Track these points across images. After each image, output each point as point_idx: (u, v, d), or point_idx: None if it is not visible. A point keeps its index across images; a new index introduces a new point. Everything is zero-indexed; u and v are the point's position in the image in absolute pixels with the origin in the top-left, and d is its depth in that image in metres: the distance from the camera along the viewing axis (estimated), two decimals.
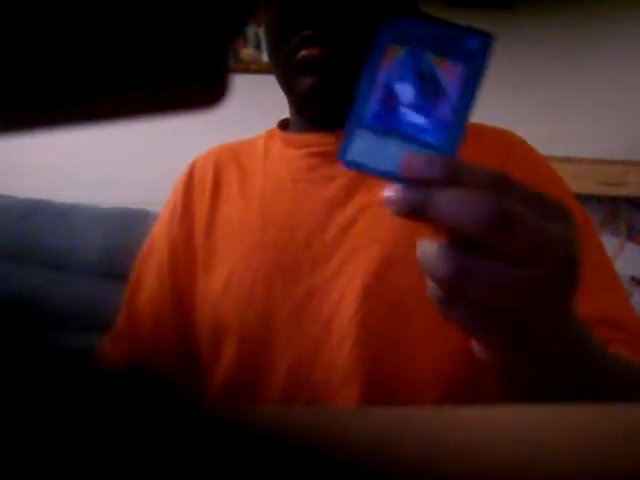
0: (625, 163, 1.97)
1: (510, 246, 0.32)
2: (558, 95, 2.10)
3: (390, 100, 0.35)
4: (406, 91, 0.35)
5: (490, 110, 1.76)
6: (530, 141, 0.69)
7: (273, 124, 0.76)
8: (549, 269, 0.33)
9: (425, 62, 0.35)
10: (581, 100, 2.08)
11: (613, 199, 2.06)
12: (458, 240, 0.33)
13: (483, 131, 0.70)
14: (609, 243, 2.09)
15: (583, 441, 0.23)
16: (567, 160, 1.92)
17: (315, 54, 0.62)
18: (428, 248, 0.33)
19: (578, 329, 0.41)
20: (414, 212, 0.32)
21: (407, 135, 0.34)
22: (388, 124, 0.35)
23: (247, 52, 2.24)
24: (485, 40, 0.34)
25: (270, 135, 0.75)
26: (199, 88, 0.18)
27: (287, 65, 0.65)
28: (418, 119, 0.34)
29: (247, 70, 2.18)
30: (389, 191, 0.33)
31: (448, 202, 0.31)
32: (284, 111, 0.74)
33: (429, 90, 0.35)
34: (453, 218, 0.31)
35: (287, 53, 0.64)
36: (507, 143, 0.67)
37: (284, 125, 0.75)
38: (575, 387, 0.40)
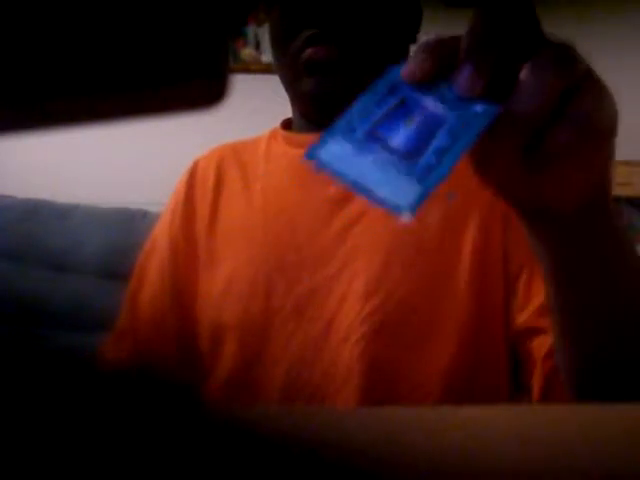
0: (628, 164, 1.97)
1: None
2: None
3: (379, 129, 0.35)
4: (400, 132, 0.35)
5: None
6: None
7: (273, 124, 0.76)
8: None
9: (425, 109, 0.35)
10: None
11: (616, 199, 2.06)
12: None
13: None
14: None
15: (584, 441, 0.23)
16: None
17: (321, 55, 0.62)
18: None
19: (614, 225, 0.43)
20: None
21: (386, 155, 0.34)
22: (370, 141, 0.35)
23: (247, 52, 2.24)
24: (492, 110, 0.34)
25: (273, 135, 0.75)
26: (199, 88, 0.18)
27: (293, 66, 0.64)
28: (402, 145, 0.34)
29: (247, 70, 2.18)
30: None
31: None
32: (284, 111, 0.74)
33: (425, 135, 0.34)
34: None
35: (292, 54, 0.63)
36: None
37: (287, 125, 0.75)
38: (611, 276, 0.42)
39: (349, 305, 0.62)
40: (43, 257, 1.90)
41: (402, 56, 0.69)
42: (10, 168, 2.20)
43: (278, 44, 0.66)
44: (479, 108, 0.34)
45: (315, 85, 0.63)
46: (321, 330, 0.63)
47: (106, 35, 0.16)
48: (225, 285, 0.67)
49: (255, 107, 1.82)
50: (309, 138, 0.70)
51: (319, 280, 0.64)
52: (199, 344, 0.70)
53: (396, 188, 0.33)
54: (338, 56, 0.62)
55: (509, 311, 0.62)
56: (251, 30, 2.23)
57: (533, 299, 0.60)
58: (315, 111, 0.69)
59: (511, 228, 0.61)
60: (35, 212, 1.96)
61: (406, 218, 0.32)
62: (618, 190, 1.97)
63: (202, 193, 0.73)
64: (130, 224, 1.87)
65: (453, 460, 0.22)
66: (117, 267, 1.73)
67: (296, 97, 0.68)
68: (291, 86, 0.67)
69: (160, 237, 0.75)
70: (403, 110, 0.35)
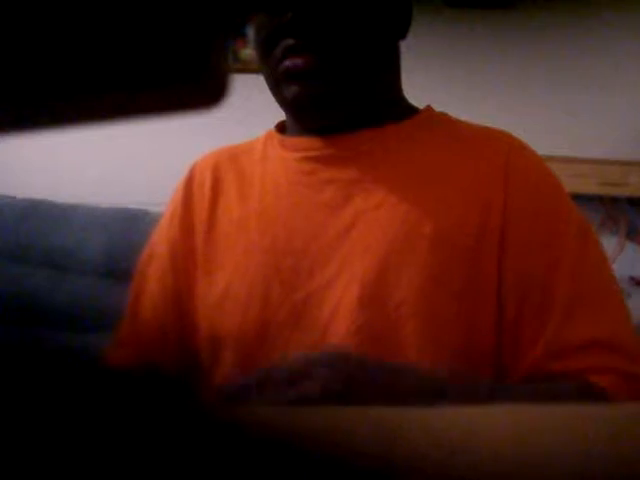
0: (626, 163, 1.97)
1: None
2: (559, 95, 2.10)
3: None
4: None
5: (491, 110, 1.76)
6: (531, 141, 0.69)
7: (273, 124, 0.76)
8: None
9: None
10: (582, 100, 2.08)
11: (614, 199, 2.06)
12: None
13: (484, 133, 0.69)
14: (609, 243, 2.08)
15: (584, 441, 0.23)
16: (568, 160, 1.92)
17: (299, 64, 0.62)
18: None
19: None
20: None
21: None
22: None
23: (247, 52, 2.24)
24: None
25: (268, 137, 0.75)
26: (198, 88, 0.18)
27: (273, 74, 0.65)
28: None
29: (247, 70, 2.18)
30: None
31: None
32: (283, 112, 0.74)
33: None
34: None
35: (272, 62, 0.64)
36: (507, 148, 0.66)
37: (282, 127, 0.75)
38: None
39: (343, 314, 0.62)
40: (43, 257, 1.90)
41: (389, 54, 0.69)
42: (10, 168, 2.20)
43: (259, 52, 0.66)
44: None
45: (296, 92, 0.63)
46: (317, 338, 0.63)
47: (105, 35, 0.16)
48: (222, 293, 0.67)
49: (255, 107, 1.82)
50: (303, 142, 0.70)
51: (314, 287, 0.64)
52: (199, 349, 0.70)
53: None
54: (317, 64, 0.62)
55: (518, 343, 0.61)
56: (251, 30, 2.23)
57: (544, 335, 0.60)
58: (299, 116, 0.69)
59: (508, 255, 0.61)
60: (35, 212, 1.96)
61: None
62: (617, 190, 1.97)
63: (199, 198, 0.73)
64: (130, 224, 1.87)
65: (453, 460, 0.22)
66: (117, 267, 1.73)
67: (280, 103, 0.69)
68: (274, 92, 0.67)
69: (159, 242, 0.75)
70: None
